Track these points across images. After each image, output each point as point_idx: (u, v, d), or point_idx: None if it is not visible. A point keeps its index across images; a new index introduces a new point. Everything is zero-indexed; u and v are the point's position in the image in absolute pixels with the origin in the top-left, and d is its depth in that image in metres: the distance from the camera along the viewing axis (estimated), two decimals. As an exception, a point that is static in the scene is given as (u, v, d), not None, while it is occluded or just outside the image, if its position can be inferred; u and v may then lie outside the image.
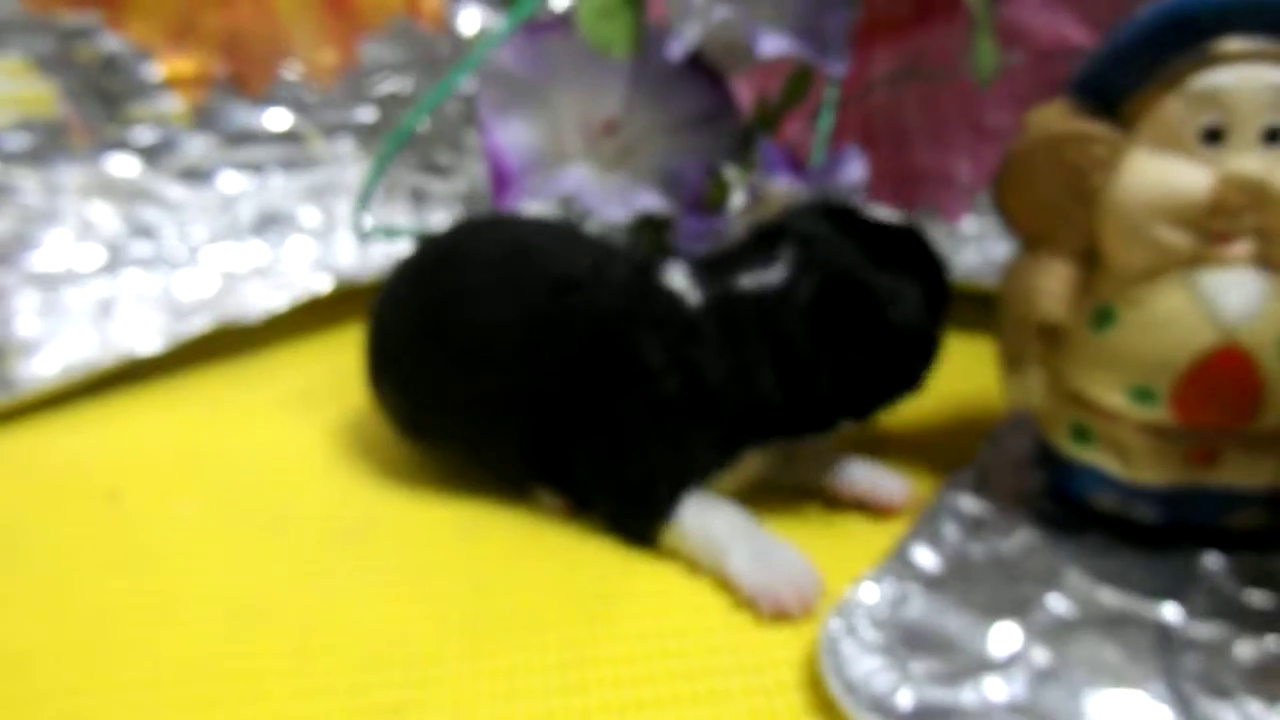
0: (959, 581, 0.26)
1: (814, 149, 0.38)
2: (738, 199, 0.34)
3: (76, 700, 0.24)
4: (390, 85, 0.49)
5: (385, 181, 0.49)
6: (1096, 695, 0.22)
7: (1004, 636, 0.24)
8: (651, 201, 0.37)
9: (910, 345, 0.29)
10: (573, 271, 0.30)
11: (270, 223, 0.47)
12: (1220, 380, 0.25)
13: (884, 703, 0.22)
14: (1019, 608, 0.25)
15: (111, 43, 0.43)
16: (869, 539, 0.29)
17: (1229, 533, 0.27)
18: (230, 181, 0.46)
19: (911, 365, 0.29)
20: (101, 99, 0.43)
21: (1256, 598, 0.25)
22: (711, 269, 0.30)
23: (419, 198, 0.51)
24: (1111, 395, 0.27)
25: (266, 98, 0.46)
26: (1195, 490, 0.27)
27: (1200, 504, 0.27)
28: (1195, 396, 0.26)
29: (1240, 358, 0.25)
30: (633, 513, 0.29)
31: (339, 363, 0.42)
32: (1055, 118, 0.27)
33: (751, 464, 0.30)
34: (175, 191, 0.45)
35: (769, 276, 0.28)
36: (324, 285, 0.44)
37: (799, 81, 0.38)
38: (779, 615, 0.26)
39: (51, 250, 0.42)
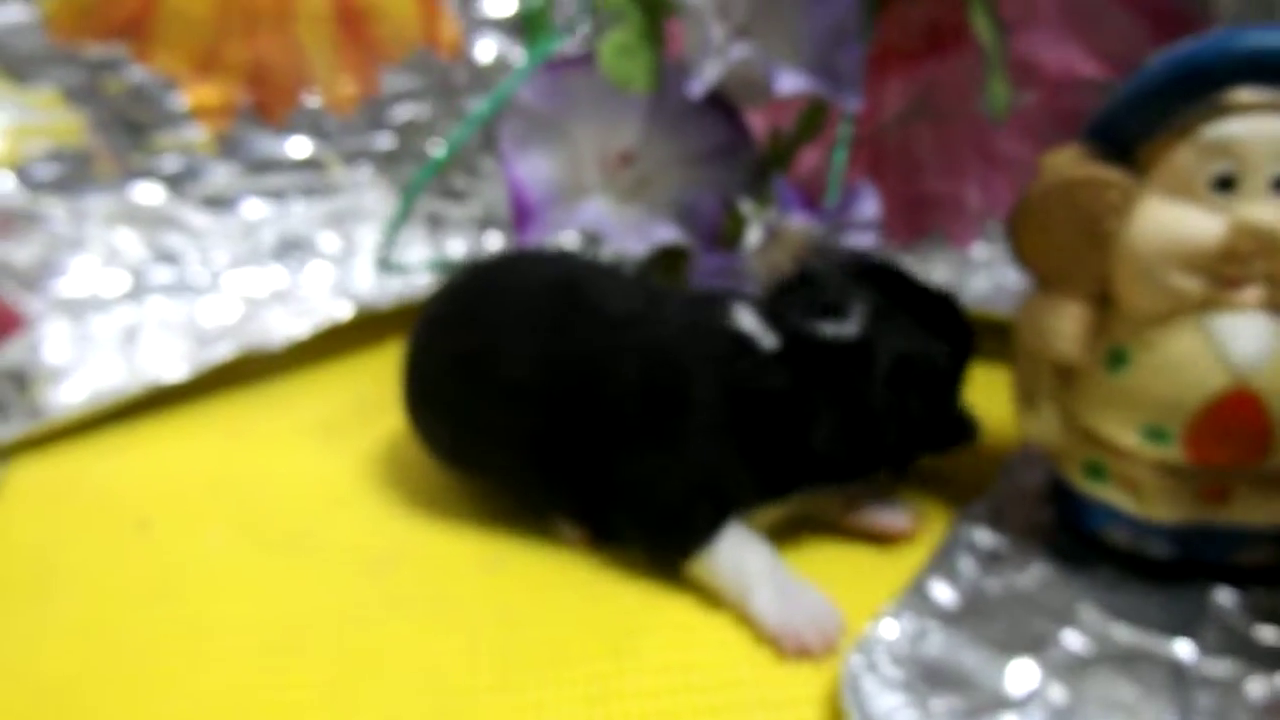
0: (976, 617, 0.27)
1: (829, 186, 0.39)
2: (754, 236, 0.35)
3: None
4: (408, 112, 0.50)
5: (399, 205, 0.49)
6: (1112, 733, 0.23)
7: (1021, 673, 0.25)
8: (669, 234, 0.37)
9: (962, 422, 0.31)
10: (628, 307, 0.31)
11: (291, 248, 0.47)
12: (1232, 421, 0.26)
13: (905, 740, 0.23)
14: (1035, 644, 0.26)
15: (138, 74, 0.44)
16: (883, 572, 0.30)
17: (1240, 569, 0.28)
18: (253, 208, 0.47)
19: (960, 436, 0.32)
20: (128, 129, 0.44)
21: (1268, 634, 0.26)
22: (775, 313, 0.30)
23: (435, 223, 0.52)
24: (1125, 434, 0.27)
25: (288, 126, 0.47)
26: (1207, 527, 0.27)
27: (1212, 541, 0.28)
28: (1207, 437, 0.26)
29: (1251, 399, 0.26)
30: (670, 530, 0.29)
31: (360, 390, 0.43)
32: (1070, 163, 0.27)
33: (795, 503, 0.31)
34: (199, 219, 0.46)
35: (844, 330, 0.29)
36: (344, 312, 0.45)
37: (813, 116, 0.39)
38: (802, 655, 0.26)
39: (78, 277, 0.43)
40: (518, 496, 0.33)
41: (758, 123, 0.42)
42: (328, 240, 0.48)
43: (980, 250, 0.47)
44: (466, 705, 0.26)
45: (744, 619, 0.28)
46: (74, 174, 0.43)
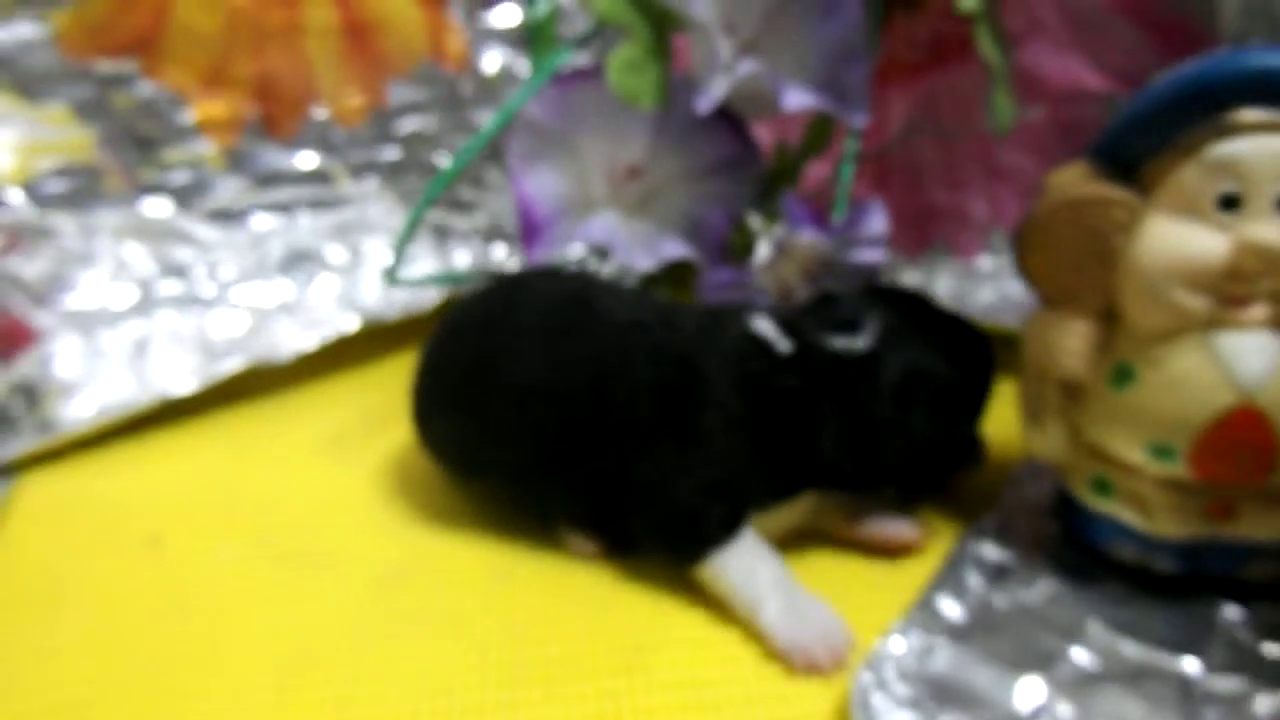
0: (984, 633, 0.27)
1: (836, 201, 0.39)
2: (763, 250, 0.35)
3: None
4: (414, 125, 0.50)
5: (408, 219, 0.50)
6: (1121, 750, 0.23)
7: (1029, 691, 0.25)
8: (677, 249, 0.38)
9: (966, 444, 0.32)
10: (640, 316, 0.32)
11: (298, 261, 0.47)
12: (1237, 439, 0.26)
13: (915, 758, 0.23)
14: (1043, 661, 0.26)
15: (147, 89, 0.44)
16: (890, 585, 0.30)
17: (1247, 585, 0.28)
18: (260, 221, 0.47)
19: (964, 458, 0.32)
20: (137, 144, 0.44)
21: (1274, 650, 0.26)
22: (790, 324, 0.31)
23: (442, 234, 0.52)
24: (1131, 451, 0.27)
25: (295, 139, 0.47)
26: (1213, 543, 0.28)
27: (1218, 556, 0.28)
28: (1213, 454, 0.26)
29: (1256, 417, 0.26)
30: (685, 530, 0.29)
31: (367, 403, 0.43)
32: (1075, 181, 0.27)
33: (806, 505, 0.31)
34: (207, 232, 0.46)
35: (855, 344, 0.30)
36: (351, 324, 0.45)
37: (820, 131, 0.39)
38: (811, 671, 0.26)
39: (87, 291, 0.43)
40: (528, 507, 0.34)
41: (763, 137, 0.43)
42: (335, 252, 0.48)
43: (985, 262, 0.47)
44: (477, 717, 0.26)
45: (753, 635, 0.28)
46: (83, 189, 0.44)
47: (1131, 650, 0.26)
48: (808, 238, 0.34)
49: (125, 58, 0.43)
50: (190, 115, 0.45)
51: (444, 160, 0.50)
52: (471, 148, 0.42)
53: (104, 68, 0.43)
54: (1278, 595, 0.28)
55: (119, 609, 0.31)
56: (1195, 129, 0.26)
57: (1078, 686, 0.25)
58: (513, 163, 0.38)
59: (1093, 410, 0.28)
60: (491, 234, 0.52)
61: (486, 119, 0.50)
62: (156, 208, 0.45)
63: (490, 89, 0.50)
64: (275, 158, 0.47)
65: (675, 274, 0.39)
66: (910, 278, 0.46)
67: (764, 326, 0.31)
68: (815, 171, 0.44)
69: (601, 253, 0.47)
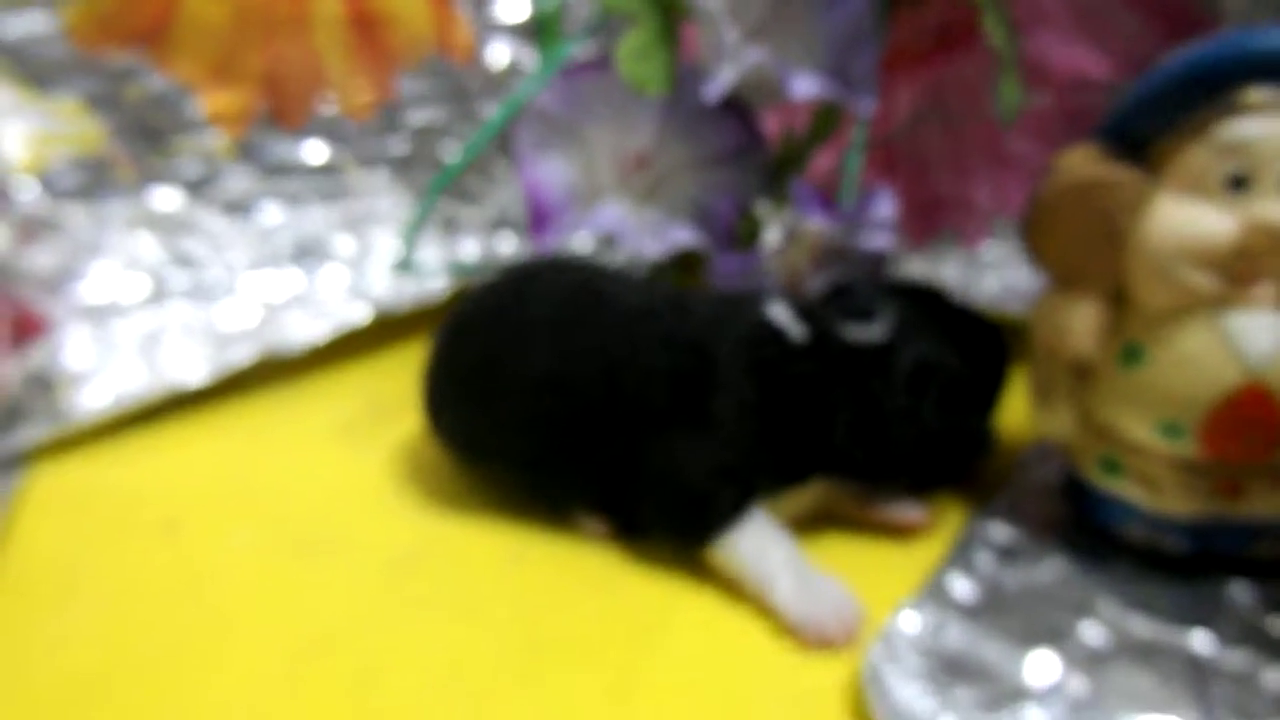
0: (995, 610, 0.27)
1: (843, 188, 0.39)
2: (772, 237, 0.35)
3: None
4: (422, 117, 0.51)
5: (418, 210, 0.50)
6: (1133, 723, 0.23)
7: (1042, 665, 0.25)
8: (685, 236, 0.38)
9: (977, 437, 0.32)
10: (654, 302, 0.32)
11: (307, 252, 0.48)
12: (1246, 417, 0.26)
13: (929, 730, 0.23)
14: (1055, 637, 0.26)
15: (157, 81, 0.44)
16: (900, 566, 0.30)
17: (1255, 563, 0.28)
18: (270, 213, 0.47)
19: (971, 452, 0.32)
20: (147, 135, 0.45)
21: (1282, 626, 0.26)
22: (805, 312, 0.31)
23: (449, 225, 0.52)
24: (1141, 430, 0.28)
25: (304, 131, 0.48)
26: (1222, 522, 0.28)
27: (1227, 534, 0.28)
28: (1222, 432, 0.27)
29: (1265, 395, 0.26)
30: (694, 513, 0.30)
31: (376, 392, 0.43)
32: (1083, 162, 0.28)
33: (816, 491, 0.31)
34: (217, 223, 0.46)
35: (870, 333, 0.30)
36: (362, 315, 0.45)
37: (826, 118, 0.39)
38: (823, 646, 0.27)
39: (98, 282, 0.44)
40: (540, 491, 0.34)
41: (769, 125, 0.43)
42: (344, 244, 0.49)
43: (990, 249, 0.47)
44: (491, 698, 0.26)
45: (765, 611, 0.28)
46: (94, 180, 0.44)
47: (1141, 626, 0.27)
48: (816, 223, 0.34)
49: (135, 49, 0.44)
50: (200, 107, 0.45)
51: (452, 152, 0.50)
52: (480, 139, 0.42)
53: (114, 60, 0.44)
54: (1285, 572, 0.28)
55: (134, 594, 0.31)
56: (1204, 109, 0.26)
57: (1089, 661, 0.25)
58: (522, 152, 0.38)
59: (1102, 390, 0.28)
60: (499, 225, 0.52)
61: (494, 111, 0.51)
62: (167, 199, 0.45)
63: (498, 82, 0.51)
64: (284, 149, 0.47)
65: (683, 262, 0.39)
66: (916, 266, 0.46)
67: (779, 313, 0.31)
68: (822, 160, 0.44)
69: (609, 241, 0.47)
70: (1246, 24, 0.35)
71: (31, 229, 0.43)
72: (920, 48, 0.44)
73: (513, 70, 0.51)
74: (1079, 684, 0.24)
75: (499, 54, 0.51)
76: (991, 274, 0.47)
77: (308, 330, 0.44)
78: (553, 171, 0.39)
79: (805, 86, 0.35)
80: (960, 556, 0.29)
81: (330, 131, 0.48)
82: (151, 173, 0.45)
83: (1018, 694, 0.24)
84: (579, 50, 0.41)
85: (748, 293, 0.33)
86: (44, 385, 0.40)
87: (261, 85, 0.46)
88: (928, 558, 0.30)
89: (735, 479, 0.30)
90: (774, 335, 0.31)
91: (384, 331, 0.47)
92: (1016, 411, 0.32)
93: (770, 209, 0.37)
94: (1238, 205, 0.26)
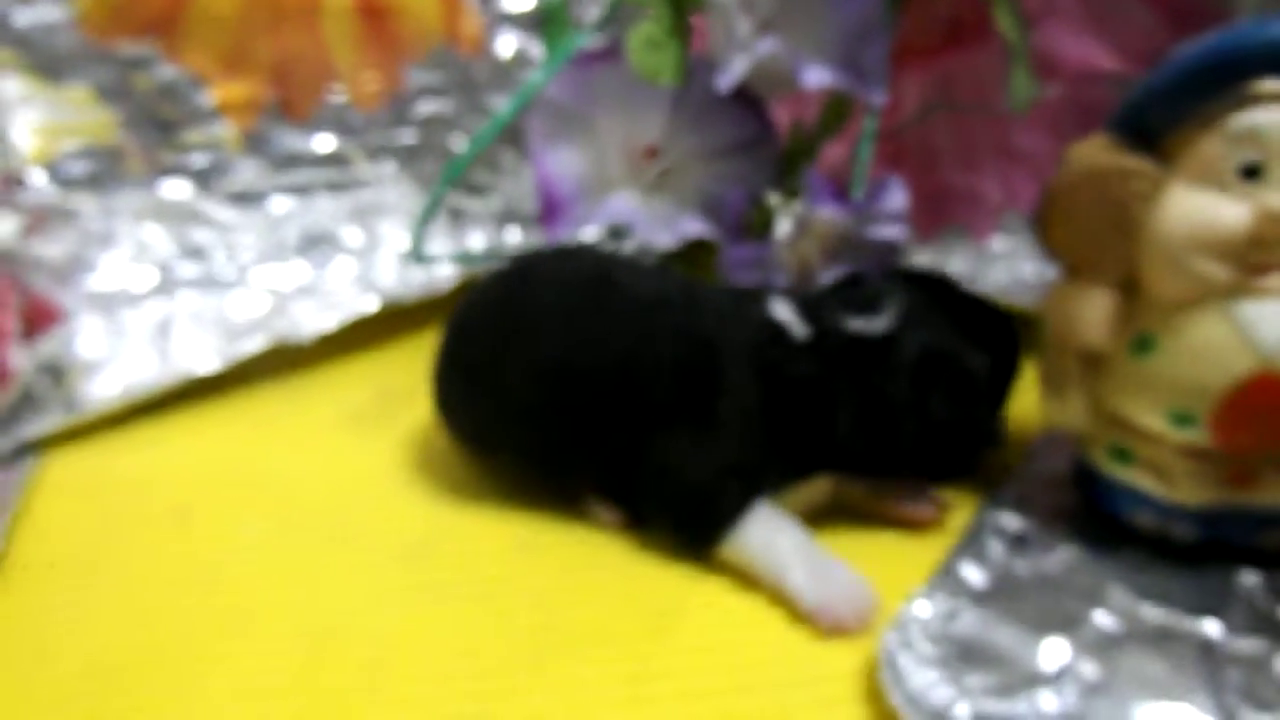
0: (1006, 598, 0.27)
1: (854, 179, 0.39)
2: (784, 227, 0.35)
3: (171, 713, 0.26)
4: (430, 108, 0.51)
5: (426, 202, 0.50)
6: (1145, 707, 0.24)
7: (1054, 651, 0.25)
8: (696, 227, 0.38)
9: (983, 428, 0.31)
10: (663, 294, 0.32)
11: (316, 243, 0.48)
12: (1258, 405, 0.26)
13: (943, 715, 0.23)
14: (1066, 623, 0.26)
15: (167, 72, 0.44)
16: (912, 555, 0.30)
17: (1265, 551, 0.28)
18: (278, 204, 0.47)
19: (978, 444, 0.32)
20: (157, 126, 0.45)
21: (1293, 613, 0.27)
22: (810, 307, 0.31)
23: (457, 217, 0.52)
24: (1152, 418, 0.28)
25: (313, 122, 0.48)
26: (1232, 510, 0.28)
27: (1237, 523, 0.28)
28: (1233, 421, 0.27)
29: (1277, 384, 0.26)
30: (697, 513, 0.30)
31: (386, 381, 0.43)
32: (1097, 152, 0.28)
33: (823, 485, 0.31)
34: (226, 214, 0.46)
35: (873, 325, 0.30)
36: (371, 305, 0.45)
37: (837, 109, 0.39)
38: (837, 632, 0.27)
39: (108, 272, 0.44)
40: (549, 480, 0.34)
41: (779, 116, 0.43)
42: (351, 235, 0.49)
43: (999, 242, 0.47)
44: (504, 684, 0.26)
45: (779, 598, 0.28)
46: (105, 171, 0.44)
47: (1152, 613, 0.27)
48: (828, 214, 0.35)
49: (146, 39, 0.44)
50: (209, 98, 0.45)
51: (460, 143, 0.50)
52: (489, 130, 0.42)
53: (125, 50, 0.44)
54: (1295, 561, 0.28)
55: (147, 582, 0.31)
56: (1217, 100, 0.26)
57: (1101, 647, 0.25)
58: (533, 142, 0.38)
59: (1114, 379, 0.29)
60: (506, 217, 0.52)
61: (501, 103, 0.51)
62: (176, 190, 0.46)
63: (505, 73, 0.51)
64: (293, 140, 0.47)
65: (693, 252, 0.40)
66: (924, 258, 0.46)
67: (782, 311, 0.31)
68: (832, 151, 0.44)
69: (618, 232, 0.47)
70: (1258, 16, 0.35)
71: (42, 219, 0.43)
72: (930, 40, 0.44)
73: (520, 61, 0.51)
74: (1091, 669, 0.25)
75: (506, 45, 0.52)
76: (1000, 266, 0.47)
77: (317, 320, 0.44)
78: (564, 162, 0.39)
79: (817, 77, 0.36)
80: (971, 545, 0.30)
81: (338, 123, 0.48)
82: (161, 163, 0.45)
83: (1031, 679, 0.24)
84: (586, 41, 0.41)
85: (755, 289, 0.33)
86: (56, 374, 0.41)
87: (271, 76, 0.46)
88: (939, 547, 0.30)
89: (739, 479, 0.30)
90: (777, 335, 0.30)
91: (392, 321, 0.47)
92: (1025, 403, 0.32)
93: (781, 200, 0.37)
94: (1250, 195, 0.26)
